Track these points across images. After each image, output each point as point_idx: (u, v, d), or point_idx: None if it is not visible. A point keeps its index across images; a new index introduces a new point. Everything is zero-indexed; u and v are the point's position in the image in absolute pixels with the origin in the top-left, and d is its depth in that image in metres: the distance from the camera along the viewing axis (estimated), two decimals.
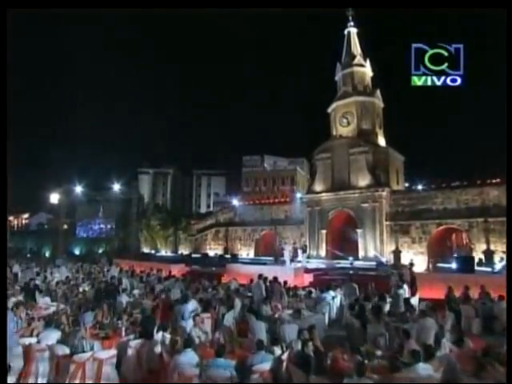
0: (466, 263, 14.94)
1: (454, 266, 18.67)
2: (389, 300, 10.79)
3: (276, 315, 9.02)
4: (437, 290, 13.35)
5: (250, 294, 11.73)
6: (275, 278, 11.91)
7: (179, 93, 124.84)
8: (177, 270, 20.77)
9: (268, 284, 11.63)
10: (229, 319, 8.79)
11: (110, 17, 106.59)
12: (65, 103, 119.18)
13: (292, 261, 19.56)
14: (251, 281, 12.93)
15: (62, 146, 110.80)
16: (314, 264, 22.53)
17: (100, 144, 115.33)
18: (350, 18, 33.00)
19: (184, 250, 38.00)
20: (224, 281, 16.23)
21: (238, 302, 9.62)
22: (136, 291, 12.29)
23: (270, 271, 16.47)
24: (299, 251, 21.66)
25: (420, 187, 26.91)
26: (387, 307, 10.47)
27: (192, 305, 8.89)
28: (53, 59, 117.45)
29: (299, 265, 20.06)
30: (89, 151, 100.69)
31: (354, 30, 32.87)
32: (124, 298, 10.11)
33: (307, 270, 18.43)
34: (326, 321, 10.03)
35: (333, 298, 11.16)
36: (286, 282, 12.82)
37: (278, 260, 17.68)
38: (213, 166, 75.95)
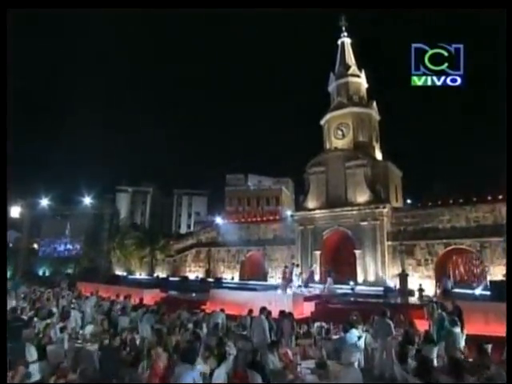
0: (503, 289, 12.35)
1: (477, 291, 16.35)
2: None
3: (289, 372, 6.04)
4: (478, 324, 10.71)
5: (245, 333, 8.68)
6: (282, 312, 8.81)
7: (161, 112, 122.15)
8: (150, 296, 17.47)
9: (273, 321, 8.49)
10: (220, 377, 5.77)
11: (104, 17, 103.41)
12: (39, 113, 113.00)
13: (306, 286, 16.47)
14: (250, 311, 9.86)
15: (30, 156, 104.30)
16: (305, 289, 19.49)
17: (72, 154, 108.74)
18: (344, 28, 31.80)
19: (161, 273, 34.36)
20: (208, 311, 13.06)
21: (232, 349, 6.56)
22: (88, 328, 8.91)
23: (262, 299, 13.64)
24: (315, 275, 18.45)
25: (424, 203, 24.50)
26: (435, 352, 7.69)
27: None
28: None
29: (295, 290, 16.99)
30: (59, 161, 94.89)
31: (347, 41, 31.59)
32: (62, 343, 6.82)
33: (307, 298, 15.45)
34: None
35: (358, 338, 8.24)
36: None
37: (288, 285, 14.52)
38: (194, 185, 72.82)
